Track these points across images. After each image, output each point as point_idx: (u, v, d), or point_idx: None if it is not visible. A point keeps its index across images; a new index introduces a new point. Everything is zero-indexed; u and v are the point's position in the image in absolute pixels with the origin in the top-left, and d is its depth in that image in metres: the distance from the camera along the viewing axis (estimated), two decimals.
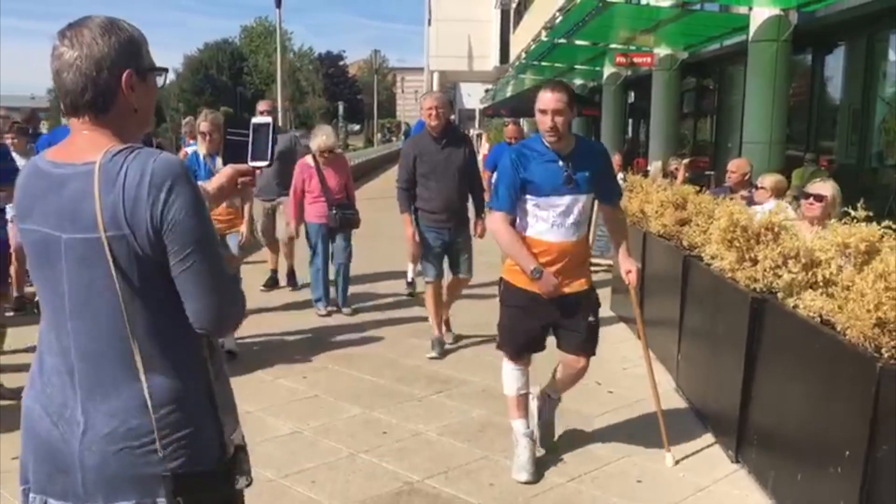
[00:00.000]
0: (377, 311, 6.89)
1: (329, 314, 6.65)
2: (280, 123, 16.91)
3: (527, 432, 3.74)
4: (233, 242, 5.53)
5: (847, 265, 3.11)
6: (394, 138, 56.13)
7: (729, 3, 10.31)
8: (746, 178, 6.15)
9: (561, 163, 3.56)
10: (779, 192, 5.51)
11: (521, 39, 25.72)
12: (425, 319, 5.88)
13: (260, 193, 7.09)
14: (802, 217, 4.62)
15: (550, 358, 3.85)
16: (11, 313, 6.04)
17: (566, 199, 3.55)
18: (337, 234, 6.61)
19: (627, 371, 4.87)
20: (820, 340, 2.99)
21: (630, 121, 22.11)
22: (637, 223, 6.11)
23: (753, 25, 9.36)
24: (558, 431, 4.08)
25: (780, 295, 3.44)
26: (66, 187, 1.51)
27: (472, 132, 34.78)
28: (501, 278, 3.80)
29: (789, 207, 4.99)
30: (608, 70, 18.03)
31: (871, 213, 3.17)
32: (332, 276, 6.77)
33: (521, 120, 16.21)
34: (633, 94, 20.91)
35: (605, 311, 4.56)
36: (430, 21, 36.16)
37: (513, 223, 3.64)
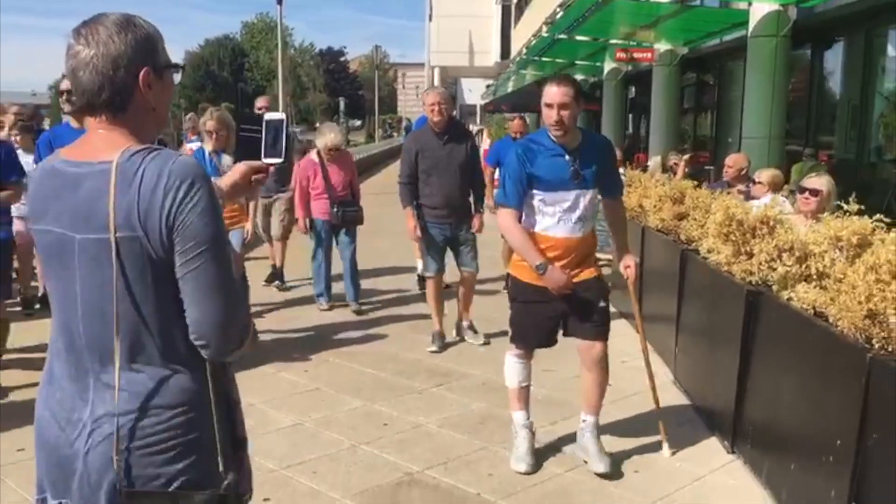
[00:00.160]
0: (379, 305, 6.94)
1: (331, 308, 6.71)
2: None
3: (526, 423, 3.79)
4: (236, 239, 5.57)
5: (840, 258, 3.16)
6: (395, 134, 56.15)
7: None
8: (743, 172, 6.20)
9: (567, 157, 3.55)
10: (775, 187, 5.55)
11: (521, 35, 25.75)
12: (427, 316, 5.91)
13: None
14: (799, 211, 4.67)
15: (551, 351, 3.87)
16: (20, 308, 6.11)
17: (572, 194, 3.55)
18: (341, 231, 6.65)
19: (626, 364, 4.92)
20: (813, 332, 3.04)
21: (630, 116, 22.15)
22: (635, 217, 6.16)
23: (753, 21, 9.39)
24: (559, 422, 4.13)
25: (774, 288, 3.50)
26: (81, 187, 1.48)
27: (473, 128, 34.72)
28: (509, 274, 3.82)
29: (786, 201, 5.04)
30: (609, 65, 18.04)
31: (863, 207, 3.22)
32: (334, 272, 6.80)
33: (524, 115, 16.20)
34: (633, 89, 20.94)
35: None
36: (430, 16, 36.18)
37: (519, 219, 3.64)
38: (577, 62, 20.10)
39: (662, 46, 14.10)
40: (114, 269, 1.45)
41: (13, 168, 4.74)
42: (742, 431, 3.76)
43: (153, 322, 1.49)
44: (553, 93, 3.48)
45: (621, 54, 14.87)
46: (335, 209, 6.51)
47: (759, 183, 5.62)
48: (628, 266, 3.78)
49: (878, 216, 3.10)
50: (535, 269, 3.53)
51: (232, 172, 1.80)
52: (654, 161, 10.58)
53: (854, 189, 4.16)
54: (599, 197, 3.78)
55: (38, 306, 6.38)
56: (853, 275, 2.84)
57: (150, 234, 1.44)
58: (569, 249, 3.59)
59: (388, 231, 9.49)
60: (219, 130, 5.46)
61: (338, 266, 6.76)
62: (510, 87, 31.06)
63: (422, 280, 7.49)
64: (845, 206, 3.24)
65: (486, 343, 5.68)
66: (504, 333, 5.58)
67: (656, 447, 3.88)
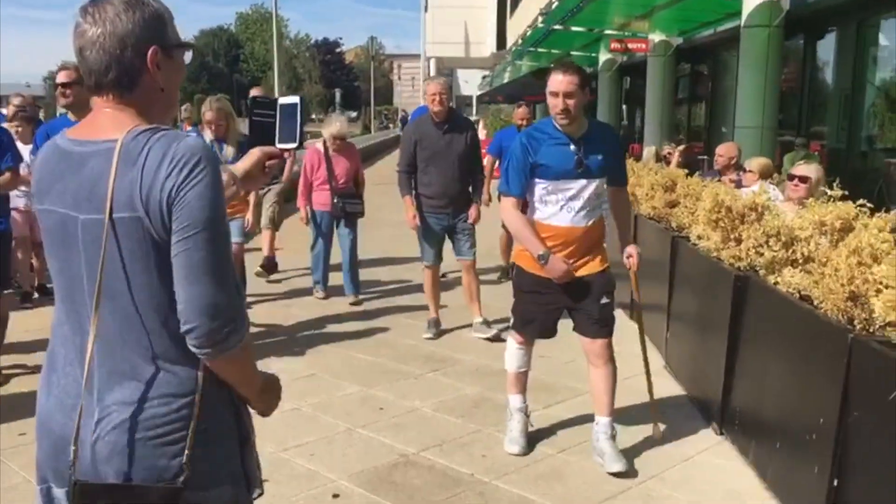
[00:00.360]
0: (375, 293, 7.01)
1: (327, 297, 6.77)
2: None
3: (521, 407, 3.85)
4: (236, 229, 5.58)
5: (824, 242, 3.24)
6: (391, 125, 56.11)
7: None
8: (734, 162, 6.27)
9: (573, 146, 3.51)
10: (766, 175, 5.63)
11: (517, 25, 25.74)
12: (423, 305, 5.96)
13: None
14: (788, 198, 4.75)
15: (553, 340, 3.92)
16: (25, 300, 6.17)
17: (576, 184, 3.52)
18: (341, 222, 6.69)
19: (618, 350, 4.98)
20: (798, 315, 3.13)
21: (625, 107, 22.20)
22: None
23: (746, 11, 9.45)
24: (552, 406, 4.21)
25: (761, 273, 3.58)
26: (85, 166, 1.45)
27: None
28: (514, 263, 3.82)
29: (775, 189, 5.12)
30: (604, 56, 18.08)
31: (846, 192, 3.29)
32: (334, 262, 6.83)
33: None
34: (628, 80, 20.99)
35: None
36: (426, 7, 36.16)
37: (523, 208, 3.65)
38: (572, 53, 20.14)
39: (657, 37, 14.15)
40: (102, 250, 1.41)
41: (9, 153, 4.62)
42: (729, 413, 3.85)
43: (159, 308, 1.44)
44: (559, 81, 3.43)
45: (616, 45, 14.94)
46: (336, 200, 6.54)
47: (750, 172, 5.70)
48: (630, 255, 3.76)
49: (861, 201, 3.18)
50: (537, 259, 3.54)
51: (245, 158, 1.75)
52: (647, 151, 10.64)
53: (846, 178, 4.22)
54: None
55: (36, 296, 6.45)
56: (836, 258, 2.92)
57: (152, 215, 1.39)
58: (572, 239, 3.56)
59: (386, 221, 9.56)
60: (218, 121, 5.51)
61: (337, 256, 6.80)
62: (506, 78, 31.10)
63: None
64: (829, 192, 3.32)
65: (496, 338, 5.50)
66: (497, 321, 5.70)
67: (646, 429, 3.96)
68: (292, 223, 8.36)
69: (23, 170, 4.76)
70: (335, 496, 3.32)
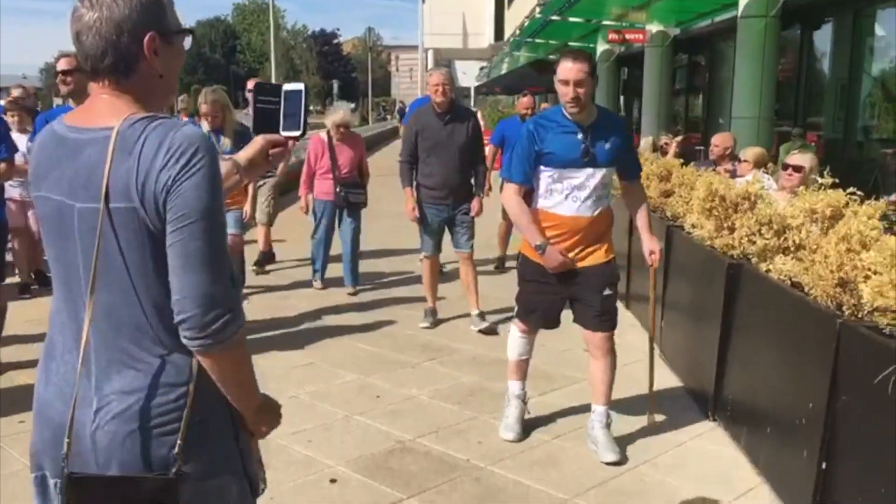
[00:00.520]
0: (374, 283, 7.05)
1: (325, 288, 6.81)
2: None
3: (520, 394, 3.88)
4: (234, 220, 5.57)
5: (815, 230, 3.28)
6: (388, 116, 56.03)
7: None
8: (729, 151, 6.29)
9: (580, 135, 3.47)
10: (760, 165, 5.66)
11: (515, 16, 25.70)
12: (423, 298, 5.96)
13: None
14: (782, 187, 4.79)
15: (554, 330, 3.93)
16: (28, 292, 6.20)
17: (583, 173, 3.48)
18: (344, 212, 6.69)
19: (618, 342, 5.02)
20: (789, 301, 3.17)
21: (623, 98, 22.19)
22: None
23: (743, 1, 9.46)
24: (548, 393, 4.25)
25: (754, 260, 3.62)
26: (82, 153, 1.43)
27: None
28: (520, 252, 3.82)
29: (768, 178, 5.15)
30: (601, 47, 18.06)
31: (836, 180, 3.33)
32: (334, 253, 6.85)
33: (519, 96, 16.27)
34: (626, 70, 20.98)
35: None
36: None
37: (527, 196, 3.62)
38: (569, 44, 20.09)
39: (654, 28, 14.15)
40: (97, 238, 1.40)
41: (3, 144, 4.56)
42: (722, 399, 3.90)
43: (156, 298, 1.43)
44: (569, 69, 3.39)
45: (613, 36, 14.93)
46: (339, 190, 6.55)
47: (745, 161, 5.73)
48: (653, 252, 3.71)
49: (850, 189, 3.22)
50: (535, 249, 3.55)
51: (249, 147, 1.74)
52: (645, 141, 10.67)
53: (842, 168, 4.25)
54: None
55: (35, 287, 6.48)
56: (826, 245, 2.96)
57: (147, 205, 1.38)
58: (577, 229, 3.53)
59: (385, 212, 9.58)
60: (214, 112, 5.51)
61: (337, 247, 6.81)
62: (504, 69, 31.05)
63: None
64: (820, 180, 3.35)
65: (490, 331, 5.53)
66: (494, 311, 5.74)
67: (640, 415, 4.00)
68: (291, 213, 8.37)
69: (18, 159, 4.77)
70: (332, 481, 3.37)
